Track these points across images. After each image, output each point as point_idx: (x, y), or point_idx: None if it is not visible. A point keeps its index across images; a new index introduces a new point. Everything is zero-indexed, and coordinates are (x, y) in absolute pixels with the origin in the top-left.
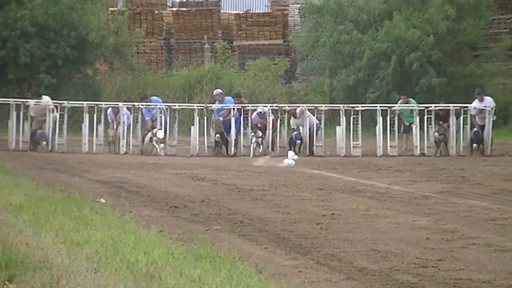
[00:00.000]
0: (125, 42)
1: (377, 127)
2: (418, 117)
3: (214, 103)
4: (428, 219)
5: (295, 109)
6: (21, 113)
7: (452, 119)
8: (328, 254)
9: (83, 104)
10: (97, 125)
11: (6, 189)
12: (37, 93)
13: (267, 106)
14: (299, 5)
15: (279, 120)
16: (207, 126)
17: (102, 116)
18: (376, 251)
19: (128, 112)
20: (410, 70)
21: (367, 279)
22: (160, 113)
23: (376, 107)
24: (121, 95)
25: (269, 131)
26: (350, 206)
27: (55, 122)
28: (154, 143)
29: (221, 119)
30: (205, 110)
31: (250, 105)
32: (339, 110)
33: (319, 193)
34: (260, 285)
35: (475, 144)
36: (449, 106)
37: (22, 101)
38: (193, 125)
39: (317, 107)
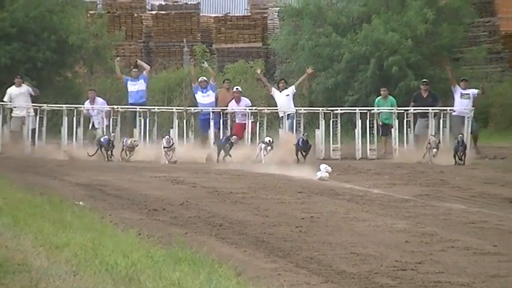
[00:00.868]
0: (104, 45)
1: (356, 130)
2: (397, 121)
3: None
4: (407, 222)
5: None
6: (0, 116)
7: (431, 122)
8: (307, 257)
9: (62, 107)
10: (76, 128)
11: None
12: None
13: (246, 109)
14: (278, 8)
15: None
16: (186, 129)
17: (82, 119)
18: (355, 254)
19: (104, 101)
20: (389, 73)
21: (346, 282)
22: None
23: (355, 110)
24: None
25: (248, 135)
26: (329, 209)
27: (34, 126)
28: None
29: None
30: (184, 113)
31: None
32: (318, 113)
33: (299, 196)
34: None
35: (459, 160)
36: (427, 109)
37: (1, 104)
38: (172, 128)
39: (296, 110)
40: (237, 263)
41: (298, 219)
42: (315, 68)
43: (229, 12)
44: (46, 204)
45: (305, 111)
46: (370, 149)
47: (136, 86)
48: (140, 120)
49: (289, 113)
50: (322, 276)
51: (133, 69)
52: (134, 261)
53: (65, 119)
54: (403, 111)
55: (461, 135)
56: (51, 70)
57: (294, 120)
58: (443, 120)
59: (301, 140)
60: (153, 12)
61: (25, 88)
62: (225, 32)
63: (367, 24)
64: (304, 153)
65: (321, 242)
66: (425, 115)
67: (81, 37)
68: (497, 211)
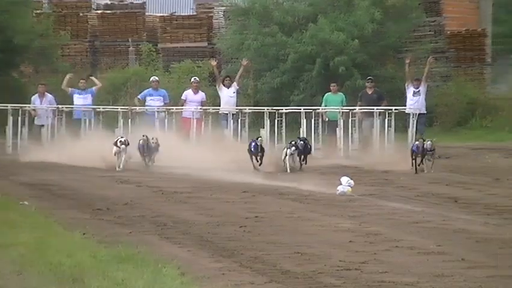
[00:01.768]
0: (50, 45)
1: (301, 129)
2: (342, 120)
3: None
4: (352, 222)
5: None
6: None
7: (376, 122)
8: (252, 257)
9: (7, 106)
10: (21, 127)
11: None
12: None
13: (191, 109)
14: (224, 8)
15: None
16: (131, 129)
17: (26, 119)
18: (300, 253)
19: (52, 97)
20: (335, 73)
21: (291, 281)
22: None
23: (300, 109)
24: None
25: (193, 134)
26: (274, 209)
27: None
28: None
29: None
30: (129, 112)
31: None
32: (263, 112)
33: (243, 196)
34: (183, 287)
35: (418, 166)
36: (373, 109)
37: None
38: (117, 127)
39: (241, 109)
40: (181, 263)
41: (243, 219)
42: (249, 59)
43: (175, 12)
44: None
45: (250, 111)
46: (315, 149)
47: (81, 100)
48: (85, 120)
49: (234, 112)
50: (267, 276)
51: (81, 80)
52: (78, 261)
53: (10, 119)
54: (347, 110)
55: (421, 139)
56: None
57: (239, 120)
58: (388, 120)
59: (253, 144)
60: (99, 11)
61: None
62: (171, 32)
63: (314, 24)
64: (259, 158)
65: (266, 242)
66: (371, 115)
67: (27, 37)
68: (441, 211)
